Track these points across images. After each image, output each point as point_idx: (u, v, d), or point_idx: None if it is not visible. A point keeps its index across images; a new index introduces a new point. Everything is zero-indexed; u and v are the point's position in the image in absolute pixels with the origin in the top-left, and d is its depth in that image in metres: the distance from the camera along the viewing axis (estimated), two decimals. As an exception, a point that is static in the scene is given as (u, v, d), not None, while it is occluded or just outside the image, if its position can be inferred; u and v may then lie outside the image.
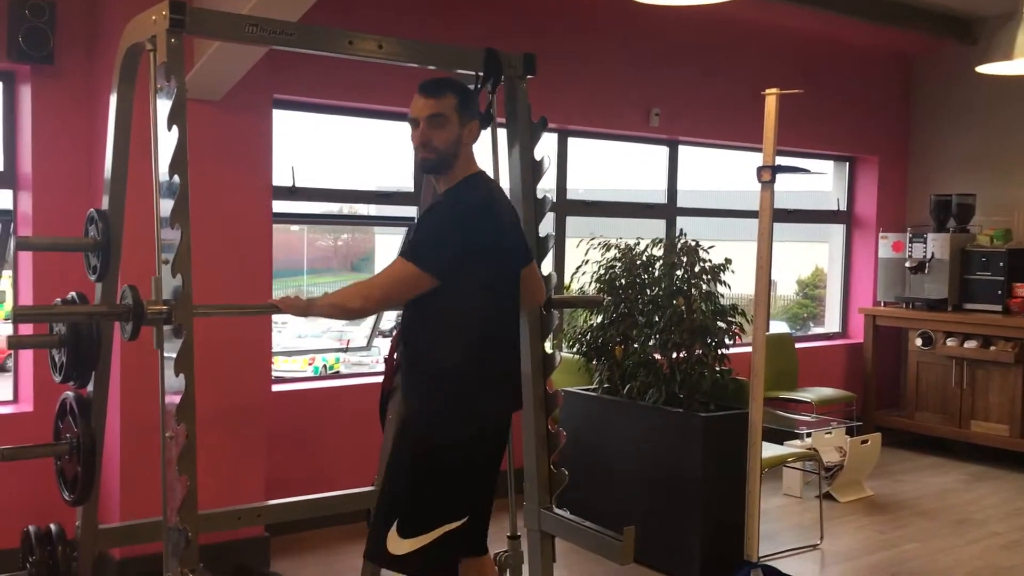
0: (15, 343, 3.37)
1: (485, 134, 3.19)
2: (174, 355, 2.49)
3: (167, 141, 2.53)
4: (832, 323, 7.33)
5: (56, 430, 3.09)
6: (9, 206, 4.02)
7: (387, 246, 7.64)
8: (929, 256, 6.52)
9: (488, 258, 2.64)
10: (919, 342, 6.57)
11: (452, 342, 2.62)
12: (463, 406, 2.62)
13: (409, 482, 2.63)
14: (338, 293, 2.72)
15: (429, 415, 2.64)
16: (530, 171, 3.27)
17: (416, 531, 2.58)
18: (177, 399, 2.48)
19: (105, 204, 3.03)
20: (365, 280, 2.68)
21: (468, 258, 2.58)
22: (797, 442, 5.34)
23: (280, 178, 4.50)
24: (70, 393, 3.02)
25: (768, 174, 3.92)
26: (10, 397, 4.08)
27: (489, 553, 2.92)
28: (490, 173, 3.30)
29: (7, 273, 4.28)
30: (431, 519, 2.59)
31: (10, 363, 4.19)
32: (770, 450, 4.58)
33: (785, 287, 10.08)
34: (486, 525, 2.85)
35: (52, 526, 3.11)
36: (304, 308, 2.73)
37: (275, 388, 4.57)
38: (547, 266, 3.36)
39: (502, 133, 3.31)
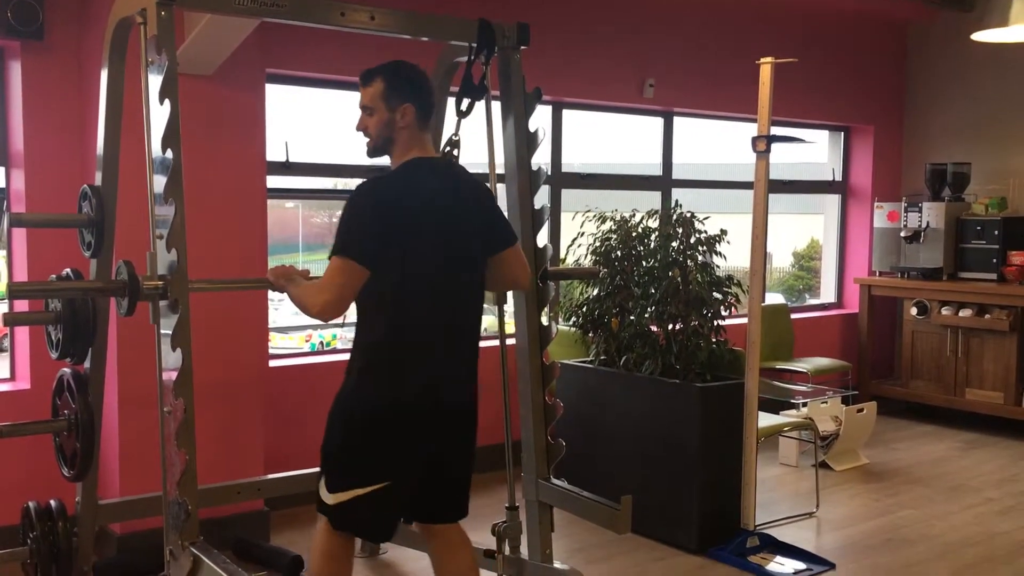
0: (11, 320, 3.36)
1: (479, 106, 3.18)
2: (170, 330, 2.50)
3: (159, 116, 2.53)
4: (827, 293, 7.34)
5: (54, 407, 3.10)
6: (2, 183, 4.00)
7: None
8: (924, 225, 6.52)
9: (414, 240, 2.59)
10: (914, 311, 6.59)
11: (377, 320, 2.61)
12: (381, 379, 2.61)
13: (329, 443, 2.69)
14: (306, 290, 2.65)
15: (351, 385, 2.67)
16: (524, 143, 3.27)
17: (333, 488, 2.66)
18: (174, 374, 2.49)
19: (98, 180, 3.03)
20: (316, 284, 2.63)
21: (386, 241, 2.54)
22: (793, 412, 5.37)
23: (274, 153, 4.48)
24: (67, 369, 3.03)
25: (763, 144, 3.93)
26: (7, 375, 4.08)
27: (458, 524, 2.85)
28: (484, 146, 3.30)
29: (1, 251, 4.27)
30: (344, 481, 2.65)
31: (6, 341, 4.19)
32: (766, 420, 4.60)
33: (780, 259, 10.08)
34: (439, 497, 2.79)
35: (52, 502, 3.13)
36: (284, 279, 2.74)
37: (272, 364, 4.58)
38: (543, 238, 3.36)
39: (496, 105, 3.30)
